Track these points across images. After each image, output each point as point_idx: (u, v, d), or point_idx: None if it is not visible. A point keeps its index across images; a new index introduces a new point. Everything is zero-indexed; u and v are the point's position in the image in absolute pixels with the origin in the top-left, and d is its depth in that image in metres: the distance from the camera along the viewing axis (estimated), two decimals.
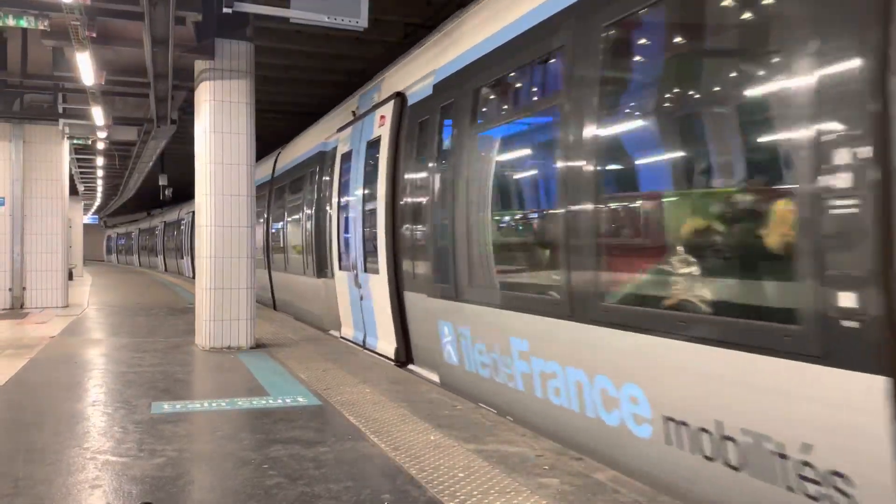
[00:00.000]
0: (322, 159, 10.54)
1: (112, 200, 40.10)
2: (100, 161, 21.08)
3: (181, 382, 6.40)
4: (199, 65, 8.28)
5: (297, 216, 12.30)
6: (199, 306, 8.34)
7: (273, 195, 14.31)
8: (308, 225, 11.12)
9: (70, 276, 16.69)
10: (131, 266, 47.34)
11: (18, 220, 13.73)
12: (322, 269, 10.27)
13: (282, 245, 13.50)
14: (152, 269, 37.28)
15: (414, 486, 3.56)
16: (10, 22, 7.61)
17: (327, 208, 9.89)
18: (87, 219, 45.34)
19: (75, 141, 14.89)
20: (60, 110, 13.42)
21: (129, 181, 27.48)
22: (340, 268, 9.00)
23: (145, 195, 36.01)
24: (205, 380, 6.82)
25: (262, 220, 14.88)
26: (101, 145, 16.23)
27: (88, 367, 7.24)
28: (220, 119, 8.13)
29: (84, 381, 6.53)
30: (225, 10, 6.81)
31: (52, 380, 6.49)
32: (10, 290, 13.71)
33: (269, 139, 18.55)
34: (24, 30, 10.07)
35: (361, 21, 7.08)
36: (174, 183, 28.15)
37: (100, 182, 28.33)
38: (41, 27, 7.75)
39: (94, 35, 7.58)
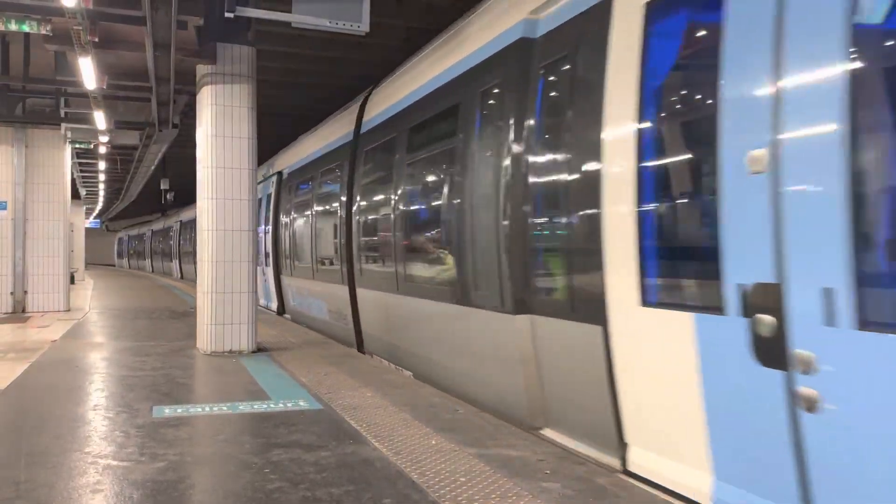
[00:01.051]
0: (526, 55, 5.08)
1: (114, 204, 40.16)
2: (102, 165, 21.12)
3: (182, 386, 6.40)
4: (201, 69, 8.29)
5: (431, 188, 6.92)
6: (201, 310, 8.35)
7: (360, 163, 8.87)
8: (476, 202, 5.63)
9: (72, 280, 16.72)
10: (142, 272, 42.05)
11: (20, 223, 13.77)
12: (530, 295, 4.93)
13: (385, 246, 7.94)
14: (166, 276, 32.38)
15: (415, 490, 3.56)
16: (13, 26, 7.63)
17: (548, 155, 4.81)
18: (90, 223, 44.98)
19: (77, 145, 14.92)
20: (62, 114, 13.47)
21: (131, 185, 27.54)
22: (672, 303, 3.64)
23: (147, 199, 36.06)
24: (206, 383, 6.82)
25: (332, 206, 10.18)
26: (102, 149, 16.26)
27: (90, 371, 7.24)
28: (221, 123, 8.14)
29: (85, 384, 6.53)
30: (227, 14, 6.82)
31: (53, 384, 6.49)
32: (11, 293, 13.74)
33: (270, 143, 18.59)
34: (27, 34, 10.10)
35: (363, 25, 7.09)
36: (176, 187, 28.20)
37: (102, 186, 28.38)
38: (43, 31, 7.77)
39: (97, 39, 7.60)
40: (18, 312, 13.67)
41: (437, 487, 3.58)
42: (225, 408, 5.46)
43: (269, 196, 14.70)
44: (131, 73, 9.86)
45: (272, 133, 19.43)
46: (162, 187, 27.25)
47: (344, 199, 9.44)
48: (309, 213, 11.57)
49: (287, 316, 13.54)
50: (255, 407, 5.47)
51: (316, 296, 11.17)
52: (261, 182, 15.14)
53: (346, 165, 9.44)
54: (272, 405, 5.52)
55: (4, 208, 13.70)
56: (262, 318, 11.11)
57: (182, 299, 17.13)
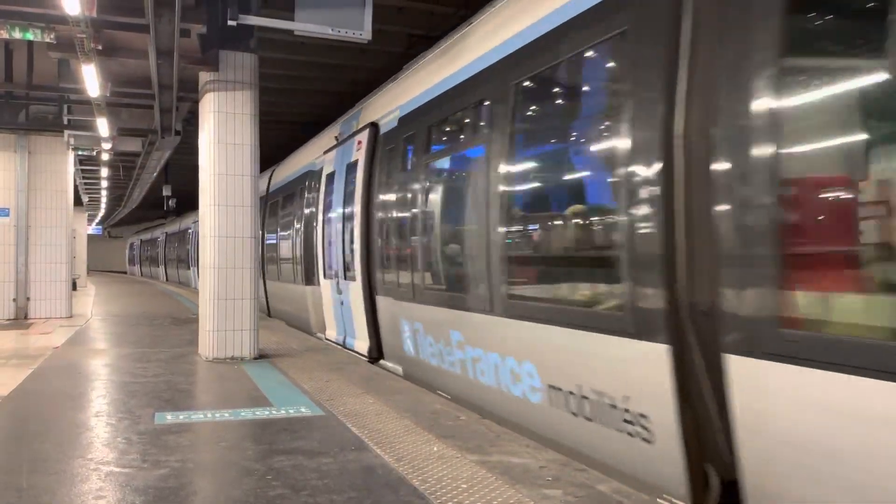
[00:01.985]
0: None
1: (116, 211, 40.21)
2: (104, 172, 21.19)
3: (184, 393, 6.40)
4: (204, 76, 8.33)
5: None
6: (203, 316, 8.36)
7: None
8: None
9: (74, 287, 16.75)
10: (155, 281, 36.45)
11: (23, 230, 13.80)
12: None
13: None
14: (184, 287, 27.15)
15: (417, 497, 3.56)
16: (17, 34, 7.68)
17: None
18: (91, 229, 44.59)
19: (80, 152, 14.98)
20: (65, 121, 13.50)
21: (134, 192, 27.60)
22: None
23: (149, 206, 36.13)
24: (208, 390, 6.83)
25: (591, 148, 4.73)
26: (105, 156, 16.32)
27: (92, 378, 7.25)
28: (224, 130, 8.17)
29: (87, 391, 6.53)
30: (230, 22, 6.86)
31: (55, 390, 6.49)
32: (14, 300, 13.76)
33: (272, 150, 18.64)
34: (31, 42, 10.15)
35: (365, 33, 7.12)
36: (178, 194, 28.27)
37: (104, 192, 28.45)
38: (47, 39, 7.81)
39: (100, 47, 7.64)
40: (21, 319, 13.69)
41: (440, 494, 3.58)
42: (227, 414, 5.46)
43: (349, 167, 8.98)
44: (134, 80, 9.92)
45: (274, 140, 19.49)
46: (164, 194, 27.29)
47: (663, 115, 3.64)
48: (473, 178, 5.89)
49: (394, 367, 7.71)
50: (257, 413, 5.47)
51: (497, 347, 5.36)
52: (332, 149, 10.12)
53: (655, 37, 3.76)
54: (274, 412, 5.52)
55: (7, 215, 13.74)
56: (264, 324, 11.10)
57: (184, 306, 17.14)
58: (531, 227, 5.30)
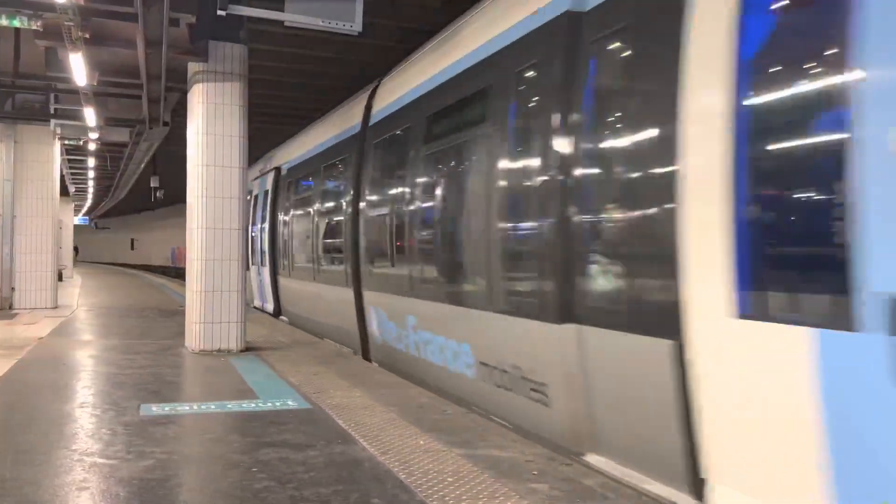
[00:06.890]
0: None
1: (103, 202, 39.93)
2: (91, 162, 21.01)
3: (171, 385, 6.38)
4: (193, 67, 8.27)
5: None
6: (190, 308, 8.32)
7: None
8: None
9: (59, 278, 16.63)
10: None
11: (8, 220, 13.69)
12: None
13: None
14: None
15: (403, 490, 3.56)
16: (4, 22, 7.57)
17: None
18: (78, 220, 43.16)
19: (67, 141, 14.84)
20: (52, 111, 13.37)
21: (121, 182, 27.40)
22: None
23: (137, 197, 35.91)
24: (194, 382, 6.80)
25: None
26: (92, 146, 16.18)
27: (77, 369, 7.21)
28: (212, 121, 8.12)
29: (73, 382, 6.49)
30: (219, 12, 6.80)
31: (40, 381, 6.45)
32: None
33: (261, 142, 18.55)
34: (17, 30, 10.04)
35: (356, 25, 7.08)
36: (166, 185, 28.09)
37: (91, 183, 28.23)
38: (34, 27, 7.72)
39: (88, 36, 7.56)
40: (6, 309, 13.58)
41: (425, 487, 3.59)
42: (213, 406, 5.44)
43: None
44: (123, 69, 9.82)
45: (263, 132, 19.42)
46: (152, 185, 27.13)
47: None
48: None
49: None
50: (244, 406, 5.46)
51: None
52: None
53: None
54: (261, 404, 5.51)
55: None
56: (252, 316, 11.05)
57: (172, 298, 17.05)
58: None
